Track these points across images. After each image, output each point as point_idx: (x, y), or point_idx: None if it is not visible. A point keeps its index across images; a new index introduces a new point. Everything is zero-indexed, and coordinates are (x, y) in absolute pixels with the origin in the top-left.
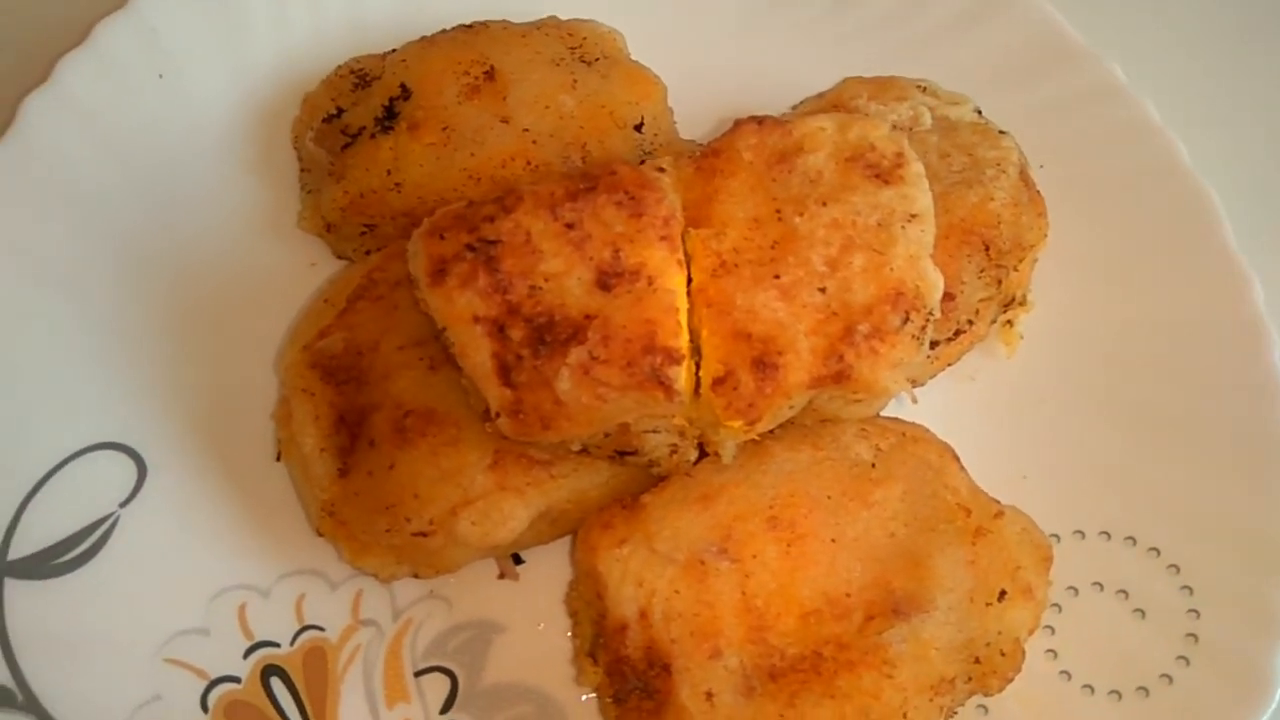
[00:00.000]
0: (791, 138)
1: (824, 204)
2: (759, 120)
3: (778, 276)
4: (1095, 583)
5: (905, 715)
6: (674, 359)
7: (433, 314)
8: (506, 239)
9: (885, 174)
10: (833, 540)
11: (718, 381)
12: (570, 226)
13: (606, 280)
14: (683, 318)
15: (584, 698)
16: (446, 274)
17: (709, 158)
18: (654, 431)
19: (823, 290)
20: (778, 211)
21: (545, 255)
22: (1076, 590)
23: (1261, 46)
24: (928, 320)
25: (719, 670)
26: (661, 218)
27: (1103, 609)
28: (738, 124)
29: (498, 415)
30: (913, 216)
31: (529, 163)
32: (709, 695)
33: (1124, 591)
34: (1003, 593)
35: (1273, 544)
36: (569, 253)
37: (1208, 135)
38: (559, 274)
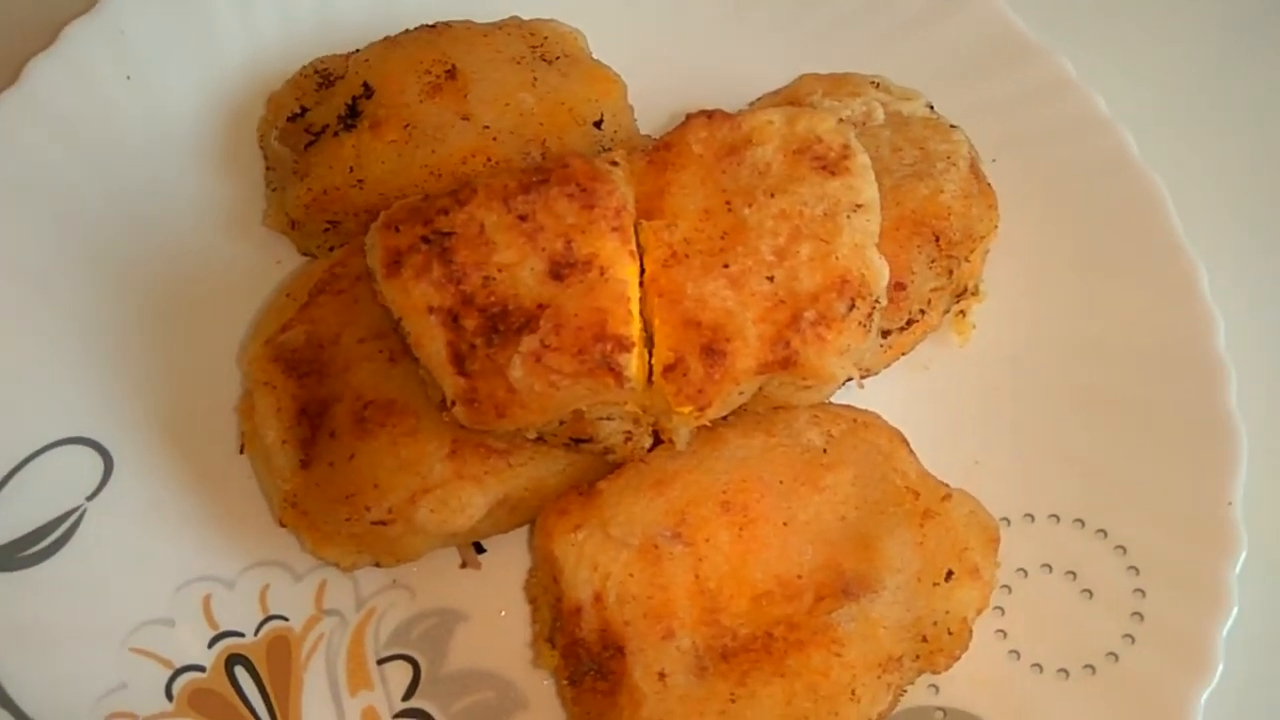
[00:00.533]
0: (740, 131)
1: (772, 195)
2: (709, 114)
3: (727, 266)
4: (1044, 564)
5: (854, 692)
6: (624, 346)
7: (389, 305)
8: (460, 231)
9: (832, 165)
10: (784, 524)
11: (668, 369)
12: (523, 218)
13: (559, 270)
14: (634, 306)
15: (545, 682)
16: (402, 265)
17: (660, 151)
18: (608, 419)
19: (771, 279)
20: (727, 203)
21: (498, 246)
22: (1026, 572)
23: (1215, 41)
24: (874, 307)
25: (672, 651)
26: (613, 209)
27: (1051, 590)
28: (688, 118)
29: (453, 404)
30: (858, 206)
31: (489, 159)
32: (661, 675)
33: (1072, 572)
34: (950, 573)
35: (1217, 525)
36: (522, 244)
37: (1157, 127)
38: (512, 264)
